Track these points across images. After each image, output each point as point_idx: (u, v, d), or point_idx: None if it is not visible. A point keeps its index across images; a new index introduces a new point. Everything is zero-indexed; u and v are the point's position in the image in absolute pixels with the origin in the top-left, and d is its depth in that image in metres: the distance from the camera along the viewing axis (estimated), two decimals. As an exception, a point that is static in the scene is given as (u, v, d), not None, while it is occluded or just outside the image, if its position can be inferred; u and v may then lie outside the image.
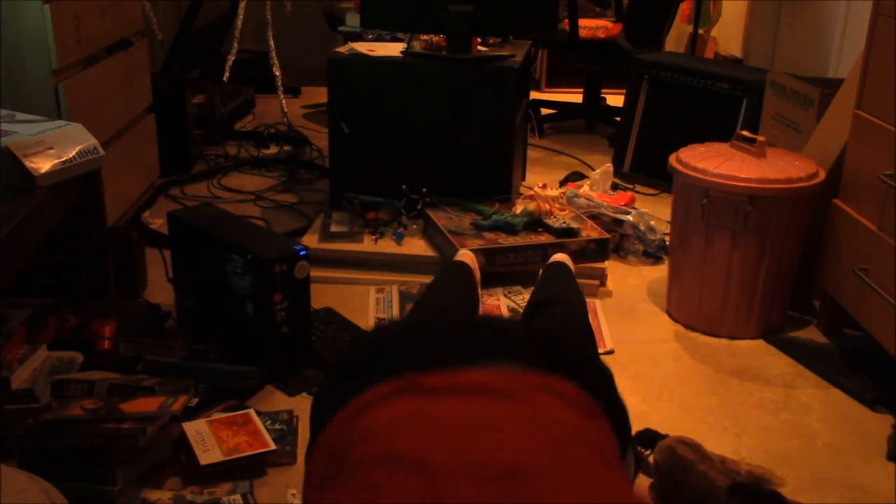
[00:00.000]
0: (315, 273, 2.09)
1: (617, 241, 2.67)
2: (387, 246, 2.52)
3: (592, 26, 3.98)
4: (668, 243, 2.53)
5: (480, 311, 2.06)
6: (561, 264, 2.18)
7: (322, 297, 2.30)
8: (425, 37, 2.79)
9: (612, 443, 0.80)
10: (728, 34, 4.68)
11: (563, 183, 3.15)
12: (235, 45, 3.78)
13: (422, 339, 0.91)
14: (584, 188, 2.97)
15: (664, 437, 1.67)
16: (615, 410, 0.91)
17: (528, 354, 0.86)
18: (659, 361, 2.11)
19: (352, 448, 0.72)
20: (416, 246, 2.53)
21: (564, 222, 2.51)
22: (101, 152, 1.94)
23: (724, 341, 2.21)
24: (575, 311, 1.73)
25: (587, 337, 1.65)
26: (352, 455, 0.71)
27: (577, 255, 2.36)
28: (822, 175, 2.17)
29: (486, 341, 0.89)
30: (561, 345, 0.95)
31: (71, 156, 1.85)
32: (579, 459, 0.68)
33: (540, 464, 0.64)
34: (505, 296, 2.38)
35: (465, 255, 2.21)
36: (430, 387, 0.78)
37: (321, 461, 0.78)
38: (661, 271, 2.58)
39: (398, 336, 0.95)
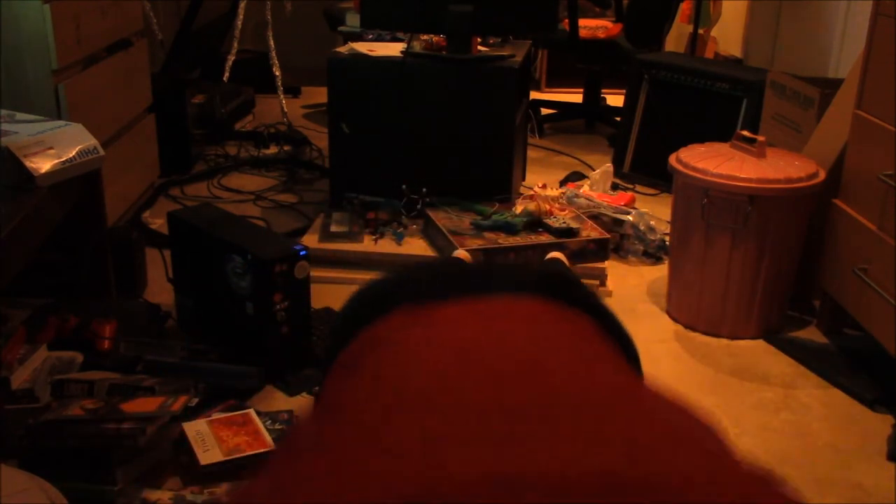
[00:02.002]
0: (315, 273, 2.09)
1: (617, 241, 2.67)
2: (387, 246, 2.52)
3: (592, 26, 3.98)
4: (668, 243, 2.53)
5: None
6: (555, 259, 2.19)
7: (322, 297, 2.30)
8: (425, 37, 2.79)
9: (628, 367, 0.82)
10: (728, 34, 4.68)
11: (563, 183, 3.15)
12: (235, 45, 3.78)
13: (438, 273, 0.91)
14: (584, 188, 2.97)
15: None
16: (627, 345, 0.95)
17: (544, 288, 0.87)
18: (659, 361, 2.11)
19: (370, 353, 0.71)
20: (416, 246, 2.53)
21: (564, 222, 2.51)
22: (101, 152, 1.94)
23: (724, 341, 2.21)
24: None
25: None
26: (371, 359, 0.70)
27: (577, 255, 2.36)
28: (822, 175, 2.17)
29: (502, 275, 0.90)
30: (575, 285, 0.97)
31: (71, 156, 1.85)
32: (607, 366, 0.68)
33: (560, 361, 0.63)
34: (505, 296, 2.38)
35: (463, 256, 2.22)
36: (452, 310, 0.77)
37: (340, 370, 0.78)
38: (661, 271, 2.58)
39: (415, 271, 0.96)
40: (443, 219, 2.55)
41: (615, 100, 4.15)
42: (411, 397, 0.56)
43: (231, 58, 3.79)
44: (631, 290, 2.48)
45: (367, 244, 2.52)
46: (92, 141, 1.92)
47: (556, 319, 0.78)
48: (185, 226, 2.04)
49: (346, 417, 0.58)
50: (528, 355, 0.64)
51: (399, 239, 2.55)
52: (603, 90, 4.18)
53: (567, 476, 0.43)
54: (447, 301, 0.79)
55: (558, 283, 0.94)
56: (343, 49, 2.82)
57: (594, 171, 3.09)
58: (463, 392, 0.56)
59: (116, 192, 2.48)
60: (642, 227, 2.65)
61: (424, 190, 2.67)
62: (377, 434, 0.52)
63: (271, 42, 3.76)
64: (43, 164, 1.77)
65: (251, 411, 1.75)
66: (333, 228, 2.61)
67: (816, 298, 2.33)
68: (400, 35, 3.10)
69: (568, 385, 0.58)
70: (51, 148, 1.82)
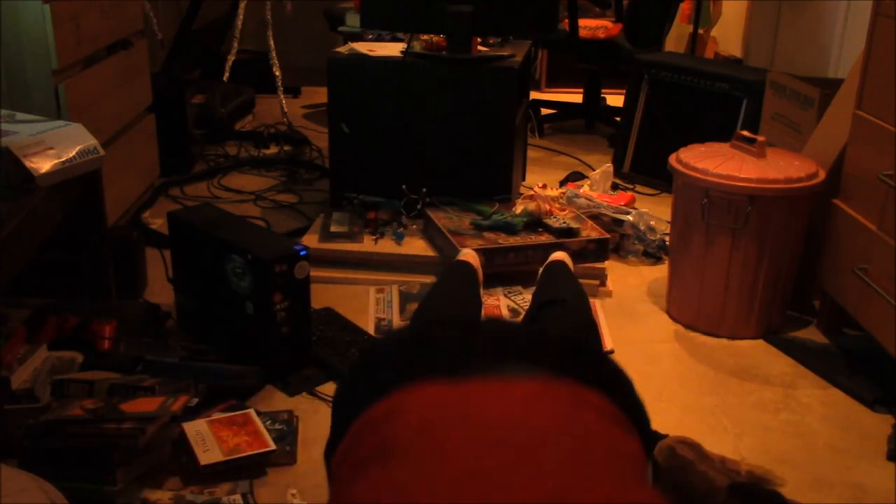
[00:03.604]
0: (315, 273, 2.09)
1: (617, 241, 2.67)
2: (387, 246, 2.52)
3: (592, 26, 3.98)
4: (668, 243, 2.53)
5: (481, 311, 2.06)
6: (560, 263, 2.19)
7: (322, 297, 2.30)
8: (425, 37, 2.79)
9: (643, 456, 0.80)
10: (728, 34, 4.68)
11: (563, 183, 3.15)
12: (235, 45, 3.78)
13: (448, 339, 0.89)
14: (584, 188, 2.97)
15: (664, 437, 1.67)
16: (639, 417, 0.91)
17: (555, 361, 0.85)
18: (659, 361, 2.11)
19: (386, 442, 0.71)
20: (416, 246, 2.53)
21: (564, 222, 2.51)
22: (101, 152, 1.94)
23: (724, 341, 2.21)
24: (578, 308, 1.73)
25: (593, 334, 1.65)
26: (389, 445, 0.70)
27: (577, 255, 2.36)
28: (822, 175, 2.17)
29: (516, 345, 0.88)
30: (587, 354, 0.94)
31: (71, 156, 1.85)
32: (625, 478, 0.68)
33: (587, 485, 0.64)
34: (505, 296, 2.38)
35: (469, 255, 2.21)
36: (465, 391, 0.76)
37: (349, 456, 0.77)
38: (661, 271, 2.58)
39: (424, 335, 0.93)
40: (443, 219, 2.55)
41: (615, 100, 4.15)
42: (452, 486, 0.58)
43: (231, 58, 3.79)
44: (631, 290, 2.48)
45: (367, 244, 2.52)
46: (92, 141, 1.92)
47: (578, 416, 0.77)
48: (185, 226, 2.04)
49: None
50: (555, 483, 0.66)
51: (399, 239, 2.55)
52: (603, 90, 4.18)
53: None
54: (468, 378, 0.78)
55: (574, 356, 0.91)
56: (343, 49, 2.82)
57: (594, 171, 3.09)
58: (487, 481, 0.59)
59: (116, 192, 2.48)
60: (642, 227, 2.65)
61: (424, 190, 2.67)
62: None
63: (271, 42, 3.76)
64: (43, 164, 1.77)
65: (251, 411, 1.75)
66: (333, 228, 2.61)
67: (816, 298, 2.33)
68: (400, 35, 3.10)
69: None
70: (51, 148, 1.82)
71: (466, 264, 2.13)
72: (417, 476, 0.65)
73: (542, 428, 0.71)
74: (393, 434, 0.72)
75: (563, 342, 0.94)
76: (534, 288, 2.13)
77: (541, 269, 2.19)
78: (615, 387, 0.88)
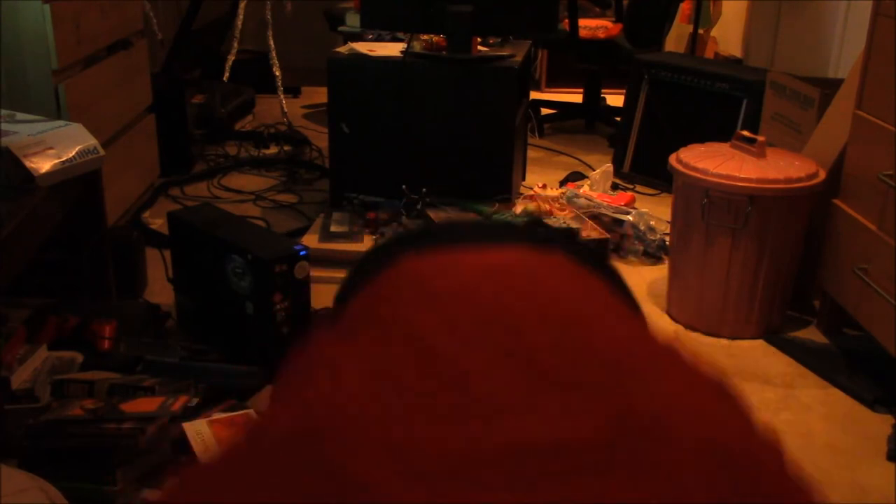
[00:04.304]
0: (315, 273, 2.09)
1: (617, 241, 2.67)
2: (387, 246, 2.51)
3: (592, 26, 3.98)
4: (668, 243, 2.53)
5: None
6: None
7: (322, 297, 2.29)
8: (425, 37, 2.79)
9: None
10: (728, 34, 4.68)
11: (563, 183, 3.15)
12: (235, 45, 3.78)
13: (451, 223, 0.91)
14: (584, 188, 2.97)
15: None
16: (636, 306, 0.95)
17: (560, 243, 0.87)
18: (659, 361, 2.11)
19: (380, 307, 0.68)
20: (416, 246, 2.52)
21: (564, 222, 2.51)
22: (101, 152, 1.94)
23: (724, 341, 2.21)
24: None
25: None
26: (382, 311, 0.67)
27: (577, 255, 2.36)
28: (822, 175, 2.17)
29: (517, 228, 0.90)
30: (584, 243, 0.97)
31: (71, 156, 1.84)
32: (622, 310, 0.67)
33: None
34: (505, 296, 2.38)
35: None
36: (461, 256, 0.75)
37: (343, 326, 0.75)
38: (661, 271, 2.58)
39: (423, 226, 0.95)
40: (443, 219, 2.55)
41: (615, 100, 4.15)
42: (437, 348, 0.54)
43: (231, 58, 3.79)
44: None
45: (367, 244, 2.52)
46: (92, 141, 1.92)
47: (576, 273, 0.76)
48: (185, 226, 2.04)
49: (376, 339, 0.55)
50: (559, 310, 0.61)
51: (399, 239, 2.54)
52: (603, 90, 4.18)
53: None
54: (468, 247, 0.77)
55: (571, 240, 0.94)
56: (343, 49, 2.82)
57: (594, 171, 3.09)
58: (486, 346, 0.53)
59: (116, 192, 2.48)
60: (642, 227, 2.65)
61: (424, 190, 2.67)
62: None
63: (271, 42, 3.76)
64: (43, 164, 1.77)
65: (251, 411, 1.75)
66: (333, 228, 2.61)
67: (816, 298, 2.33)
68: (400, 35, 3.10)
69: (601, 341, 0.56)
70: (51, 148, 1.82)
71: None
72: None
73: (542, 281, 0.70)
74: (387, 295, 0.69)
75: (561, 231, 0.96)
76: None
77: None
78: (611, 276, 0.93)
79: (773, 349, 2.18)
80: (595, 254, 0.94)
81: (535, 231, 0.94)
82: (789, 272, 2.22)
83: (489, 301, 0.61)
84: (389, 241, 0.96)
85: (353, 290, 0.79)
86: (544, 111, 4.16)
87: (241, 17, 3.74)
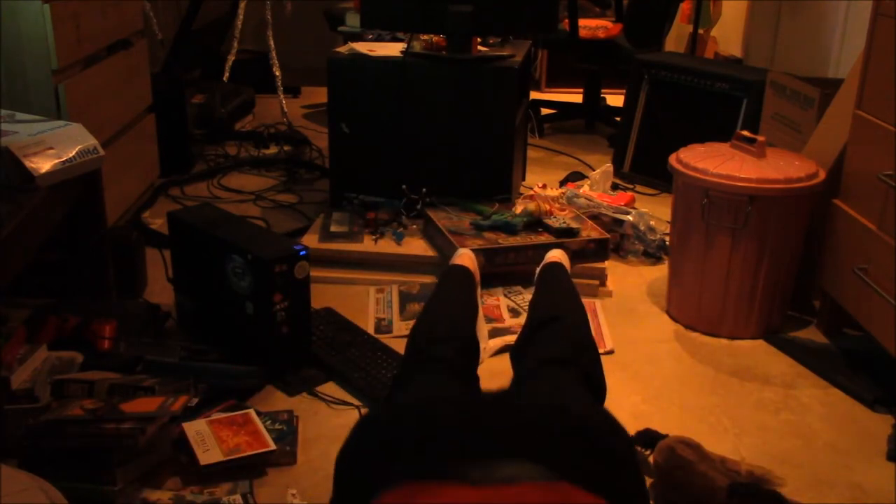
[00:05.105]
0: (315, 273, 2.09)
1: (617, 241, 2.67)
2: (387, 246, 2.52)
3: (592, 26, 3.98)
4: (668, 243, 2.53)
5: (480, 311, 2.06)
6: (557, 266, 2.16)
7: (322, 297, 2.30)
8: (425, 37, 2.79)
9: None
10: (728, 34, 4.68)
11: (563, 183, 3.15)
12: (235, 45, 3.78)
13: (441, 435, 0.93)
14: (584, 188, 2.97)
15: (664, 437, 1.67)
16: None
17: (554, 455, 0.89)
18: (659, 361, 2.11)
19: None
20: (416, 246, 2.53)
21: (564, 222, 2.51)
22: (101, 152, 1.94)
23: (724, 341, 2.21)
24: (577, 327, 1.70)
25: (589, 355, 1.62)
26: None
27: (576, 255, 2.36)
28: (822, 175, 2.17)
29: (511, 440, 0.91)
30: (594, 442, 0.96)
31: (71, 156, 1.85)
32: None
33: None
34: (505, 296, 2.38)
35: (465, 256, 2.19)
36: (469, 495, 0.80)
37: None
38: (661, 271, 2.58)
39: (417, 425, 0.97)
40: (443, 219, 2.55)
41: (615, 100, 4.15)
42: None
43: (231, 58, 3.80)
44: (631, 290, 2.48)
45: (367, 244, 2.52)
46: (92, 141, 1.92)
47: None
48: (185, 226, 2.04)
49: None
50: None
51: (399, 239, 2.55)
52: (603, 90, 4.18)
53: None
54: (453, 481, 0.82)
55: (569, 447, 0.95)
56: (343, 49, 2.82)
57: (594, 171, 3.09)
58: None
59: (116, 192, 2.48)
60: (642, 227, 2.65)
61: (424, 190, 2.67)
62: None
63: (271, 42, 3.76)
64: (43, 164, 1.77)
65: (251, 411, 1.75)
66: (333, 228, 2.61)
67: (816, 298, 2.33)
68: (400, 35, 3.10)
69: None
70: (51, 148, 1.82)
71: (462, 269, 2.11)
72: None
73: None
74: None
75: (568, 433, 0.96)
76: (533, 288, 2.12)
77: (538, 270, 2.18)
78: (617, 479, 0.93)
79: (773, 349, 2.18)
80: (599, 471, 0.95)
81: (531, 444, 0.96)
82: (789, 272, 2.22)
83: None
84: (378, 447, 0.98)
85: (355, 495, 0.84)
86: (544, 111, 4.16)
87: (240, 17, 3.74)
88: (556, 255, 2.23)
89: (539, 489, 0.83)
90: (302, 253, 1.87)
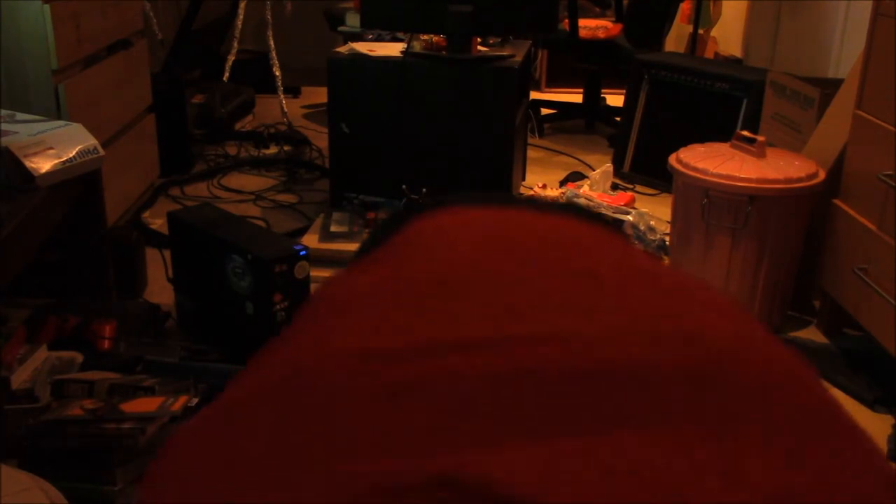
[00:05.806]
0: (315, 273, 2.09)
1: (617, 241, 2.67)
2: (387, 246, 2.51)
3: (592, 26, 3.98)
4: (668, 243, 2.53)
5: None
6: None
7: (322, 297, 2.29)
8: (425, 37, 2.79)
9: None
10: (728, 34, 4.68)
11: (563, 183, 3.15)
12: (235, 45, 3.78)
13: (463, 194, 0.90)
14: (584, 188, 2.97)
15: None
16: None
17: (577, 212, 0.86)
18: (659, 361, 2.11)
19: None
20: (416, 246, 2.52)
21: (564, 222, 2.51)
22: (101, 152, 1.94)
23: (724, 341, 2.21)
24: None
25: None
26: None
27: (577, 255, 2.36)
28: (822, 175, 2.17)
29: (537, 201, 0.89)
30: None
31: (71, 156, 1.85)
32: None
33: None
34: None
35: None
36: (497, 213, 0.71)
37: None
38: (661, 271, 2.57)
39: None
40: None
41: (615, 100, 4.15)
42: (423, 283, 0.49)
43: (231, 58, 3.80)
44: (631, 290, 2.48)
45: (367, 244, 2.52)
46: (92, 141, 1.92)
47: (594, 226, 0.71)
48: (185, 226, 2.04)
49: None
50: (559, 237, 0.56)
51: (399, 239, 2.54)
52: (603, 90, 4.18)
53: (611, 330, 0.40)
54: (474, 205, 0.73)
55: (576, 207, 0.94)
56: (343, 49, 2.82)
57: (594, 171, 3.09)
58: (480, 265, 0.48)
59: (116, 192, 2.48)
60: (642, 227, 2.65)
61: (424, 190, 2.67)
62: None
63: (271, 42, 3.76)
64: (43, 164, 1.77)
65: (251, 411, 1.74)
66: (333, 228, 2.61)
67: (816, 298, 2.33)
68: (400, 35, 3.10)
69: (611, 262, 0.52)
70: (51, 148, 1.82)
71: None
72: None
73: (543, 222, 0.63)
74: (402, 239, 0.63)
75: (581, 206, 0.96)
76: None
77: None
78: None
79: (773, 349, 2.18)
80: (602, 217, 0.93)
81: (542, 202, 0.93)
82: (789, 272, 2.22)
83: (519, 237, 0.56)
84: (410, 204, 0.95)
85: (374, 243, 0.74)
86: (544, 111, 4.16)
87: (240, 17, 3.74)
88: None
89: (559, 213, 0.74)
90: (302, 253, 1.87)
